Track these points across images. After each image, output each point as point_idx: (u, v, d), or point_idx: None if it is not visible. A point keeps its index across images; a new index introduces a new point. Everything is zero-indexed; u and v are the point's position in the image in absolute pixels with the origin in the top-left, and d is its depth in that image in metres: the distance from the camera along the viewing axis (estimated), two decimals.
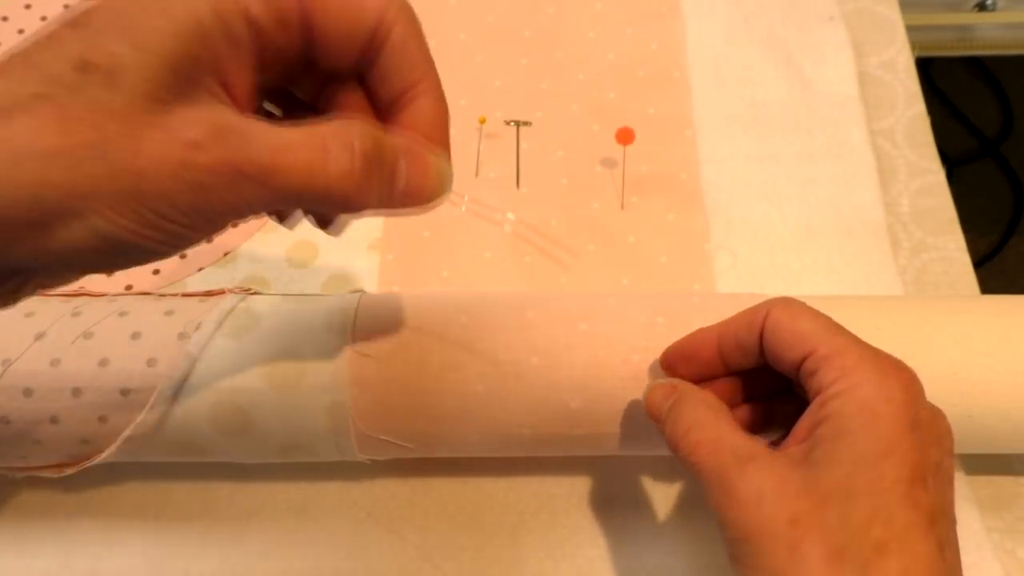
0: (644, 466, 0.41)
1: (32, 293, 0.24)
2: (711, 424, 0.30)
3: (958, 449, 0.40)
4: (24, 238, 0.22)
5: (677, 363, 0.34)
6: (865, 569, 0.26)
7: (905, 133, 0.53)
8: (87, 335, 0.37)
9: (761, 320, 0.32)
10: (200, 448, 0.37)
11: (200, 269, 0.48)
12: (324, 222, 0.28)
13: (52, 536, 0.40)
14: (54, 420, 0.36)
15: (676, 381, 0.33)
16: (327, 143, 0.24)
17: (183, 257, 0.48)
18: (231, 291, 0.39)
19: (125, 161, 0.22)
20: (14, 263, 0.23)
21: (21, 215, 0.21)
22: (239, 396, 0.36)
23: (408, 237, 0.48)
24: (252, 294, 0.39)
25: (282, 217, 0.29)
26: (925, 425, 0.29)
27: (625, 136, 0.48)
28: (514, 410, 0.36)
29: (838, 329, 0.31)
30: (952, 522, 0.28)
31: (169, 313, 0.37)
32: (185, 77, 0.23)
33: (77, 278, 0.25)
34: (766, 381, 0.33)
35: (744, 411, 0.34)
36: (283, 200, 0.24)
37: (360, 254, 0.48)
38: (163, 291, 0.41)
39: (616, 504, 0.41)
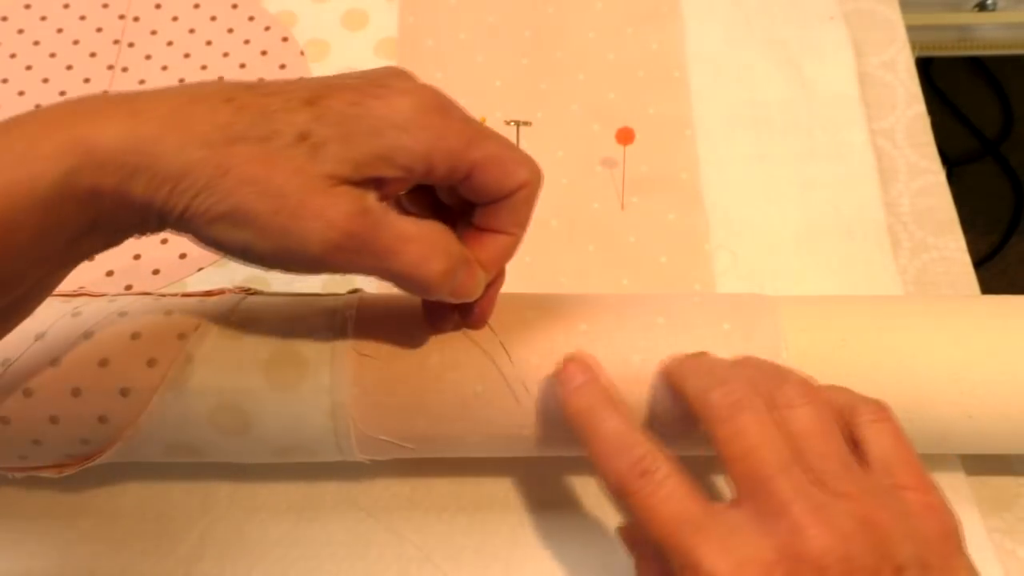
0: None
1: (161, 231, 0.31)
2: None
3: (958, 449, 0.40)
4: (198, 222, 0.29)
5: None
6: None
7: (905, 133, 0.53)
8: (87, 335, 0.37)
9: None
10: (200, 448, 0.37)
11: (200, 269, 0.48)
12: None
13: (52, 536, 0.40)
14: (54, 420, 0.36)
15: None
16: (434, 246, 0.31)
17: (183, 257, 0.48)
18: (231, 291, 0.39)
19: (292, 207, 0.28)
20: (175, 227, 0.30)
21: (203, 206, 0.28)
22: (239, 396, 0.36)
23: None
24: (252, 294, 0.39)
25: None
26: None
27: (625, 136, 0.48)
28: (514, 410, 0.36)
29: None
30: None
31: (169, 313, 0.37)
32: (360, 178, 0.29)
33: (212, 249, 0.31)
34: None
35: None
36: (386, 275, 0.31)
37: None
38: (163, 291, 0.41)
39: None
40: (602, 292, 0.39)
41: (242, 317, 0.37)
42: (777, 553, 0.28)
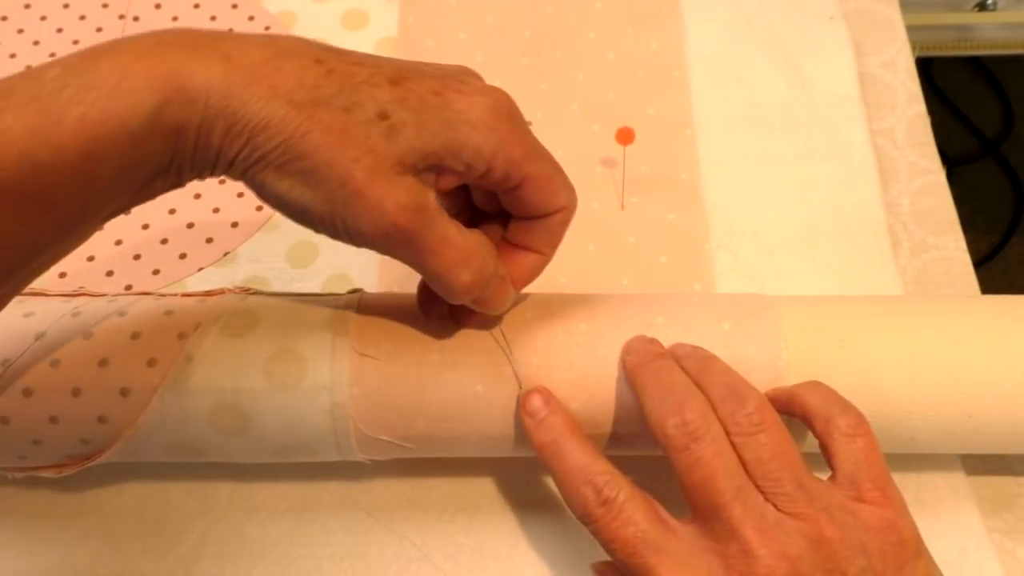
0: (644, 467, 0.41)
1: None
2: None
3: (958, 449, 0.40)
4: (266, 174, 0.30)
5: None
6: None
7: (905, 133, 0.53)
8: (87, 335, 0.37)
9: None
10: (200, 448, 0.37)
11: (200, 269, 0.48)
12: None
13: (52, 536, 0.40)
14: (54, 420, 0.36)
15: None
16: (471, 255, 0.32)
17: (183, 257, 0.48)
18: (231, 291, 0.39)
19: (357, 182, 0.29)
20: (241, 176, 0.30)
21: (275, 160, 0.29)
22: (239, 396, 0.36)
23: None
24: (252, 294, 0.39)
25: None
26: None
27: (625, 136, 0.48)
28: (514, 410, 0.36)
29: None
30: None
31: (169, 313, 0.37)
32: (425, 166, 0.31)
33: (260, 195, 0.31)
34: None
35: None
36: (419, 268, 0.32)
37: (360, 254, 0.48)
38: (163, 291, 0.41)
39: None
40: (602, 292, 0.39)
41: (242, 317, 0.37)
42: (728, 571, 0.30)
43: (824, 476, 0.33)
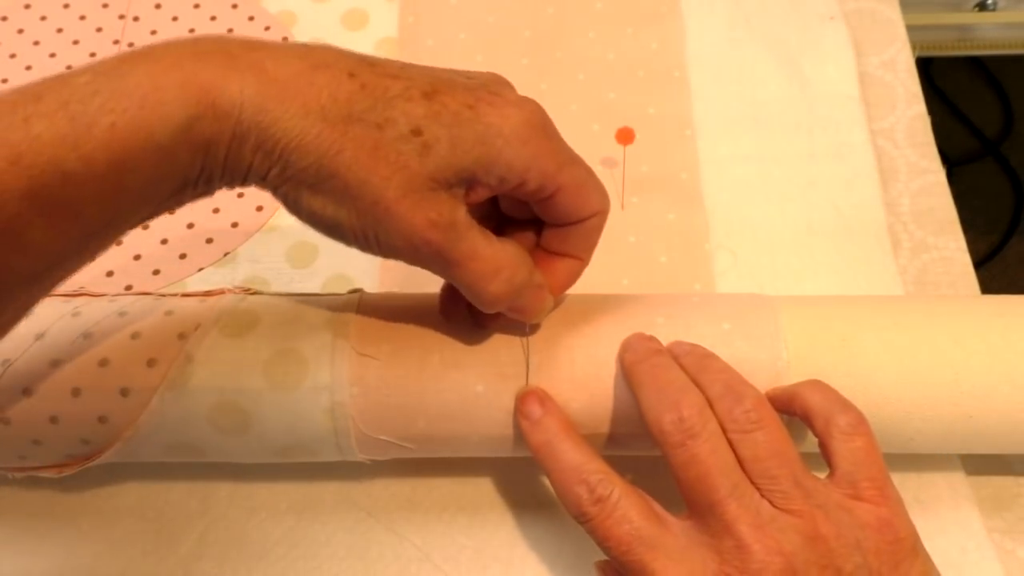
0: (644, 467, 0.41)
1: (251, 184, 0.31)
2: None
3: (958, 449, 0.40)
4: (300, 191, 0.30)
5: None
6: None
7: (905, 133, 0.53)
8: (87, 335, 0.37)
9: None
10: (200, 448, 0.37)
11: (200, 269, 0.48)
12: None
13: (52, 536, 0.40)
14: (54, 420, 0.36)
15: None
16: (500, 268, 0.32)
17: (183, 257, 0.48)
18: (231, 291, 0.39)
19: (390, 200, 0.30)
20: (273, 190, 0.31)
21: (309, 179, 0.29)
22: (239, 396, 0.36)
23: None
24: (252, 294, 0.39)
25: None
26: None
27: (625, 136, 0.48)
28: (514, 411, 0.36)
29: None
30: None
31: (169, 313, 0.37)
32: (458, 181, 0.31)
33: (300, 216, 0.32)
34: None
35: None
36: (450, 279, 0.33)
37: (360, 254, 0.48)
38: (163, 291, 0.41)
39: None
40: (602, 292, 0.39)
41: (242, 317, 0.37)
42: (722, 565, 0.30)
43: (821, 476, 0.33)
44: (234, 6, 0.58)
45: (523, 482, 0.42)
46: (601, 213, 0.34)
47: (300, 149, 0.29)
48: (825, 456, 0.33)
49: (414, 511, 0.41)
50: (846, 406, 0.34)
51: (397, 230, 0.30)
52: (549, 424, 0.34)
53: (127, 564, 0.40)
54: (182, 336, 0.36)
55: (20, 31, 0.57)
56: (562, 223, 0.34)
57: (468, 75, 0.32)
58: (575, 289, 0.37)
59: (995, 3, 0.93)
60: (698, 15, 0.56)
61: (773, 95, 0.53)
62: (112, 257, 0.48)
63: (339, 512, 0.41)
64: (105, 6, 0.58)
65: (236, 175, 0.30)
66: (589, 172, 0.33)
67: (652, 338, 0.36)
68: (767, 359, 0.36)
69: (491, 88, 0.32)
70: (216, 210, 0.50)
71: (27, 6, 0.58)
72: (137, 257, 0.48)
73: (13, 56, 0.56)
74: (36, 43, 0.56)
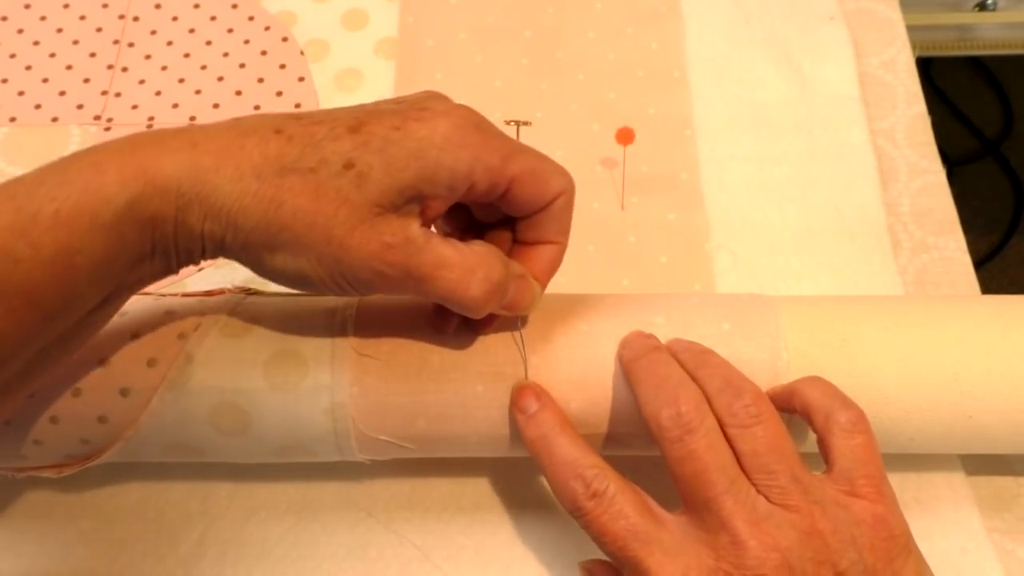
0: (644, 467, 0.41)
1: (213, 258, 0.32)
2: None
3: (958, 449, 0.40)
4: (258, 252, 0.31)
5: None
6: None
7: (905, 133, 0.53)
8: None
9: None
10: (200, 448, 0.37)
11: (200, 269, 0.48)
12: None
13: (52, 536, 0.40)
14: (54, 420, 0.36)
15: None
16: (473, 269, 0.32)
17: None
18: (231, 291, 0.39)
19: (341, 236, 0.30)
20: (235, 256, 0.32)
21: (261, 238, 0.30)
22: (239, 396, 0.36)
23: None
24: (252, 294, 0.39)
25: None
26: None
27: (625, 136, 0.48)
28: (510, 405, 0.36)
29: None
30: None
31: (169, 313, 0.37)
32: (404, 201, 0.31)
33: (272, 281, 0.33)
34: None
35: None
36: (429, 297, 0.32)
37: None
38: (163, 291, 0.41)
39: None
40: (602, 292, 0.39)
41: (242, 317, 0.37)
42: (718, 561, 0.30)
43: (817, 472, 0.33)
44: (234, 6, 0.58)
45: (522, 482, 0.42)
46: (564, 192, 0.34)
47: (244, 211, 0.30)
48: (823, 452, 0.33)
49: (414, 511, 0.41)
50: (847, 403, 0.34)
51: (358, 262, 0.31)
52: (545, 418, 0.34)
53: (127, 564, 0.40)
54: (182, 336, 0.36)
55: (20, 31, 0.57)
56: (529, 212, 0.34)
57: (398, 100, 0.33)
58: (575, 289, 0.37)
59: (995, 3, 0.93)
60: (698, 15, 0.56)
61: (773, 95, 0.53)
62: None
63: (339, 512, 0.41)
64: (105, 6, 0.58)
65: (193, 247, 0.31)
66: (540, 157, 0.34)
67: (650, 335, 0.36)
68: (767, 359, 0.36)
69: (420, 104, 0.32)
70: None
71: (27, 6, 0.58)
72: None
73: (13, 56, 0.56)
74: (36, 43, 0.56)
